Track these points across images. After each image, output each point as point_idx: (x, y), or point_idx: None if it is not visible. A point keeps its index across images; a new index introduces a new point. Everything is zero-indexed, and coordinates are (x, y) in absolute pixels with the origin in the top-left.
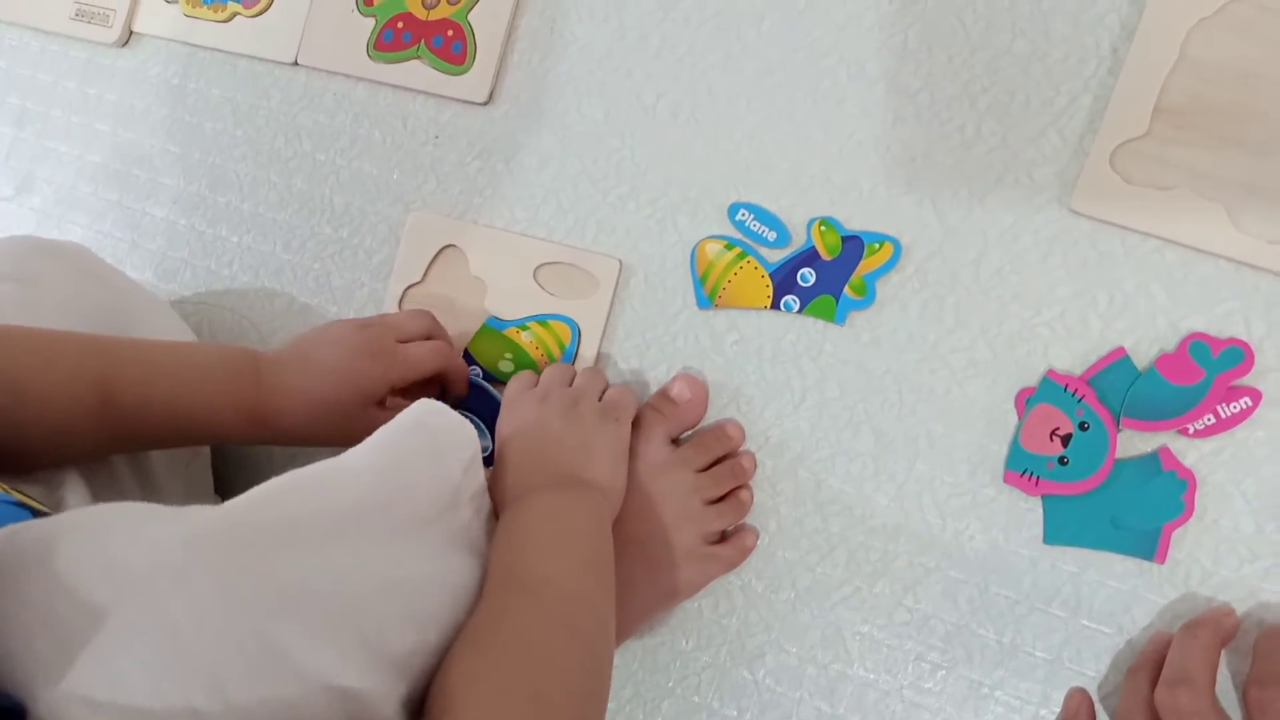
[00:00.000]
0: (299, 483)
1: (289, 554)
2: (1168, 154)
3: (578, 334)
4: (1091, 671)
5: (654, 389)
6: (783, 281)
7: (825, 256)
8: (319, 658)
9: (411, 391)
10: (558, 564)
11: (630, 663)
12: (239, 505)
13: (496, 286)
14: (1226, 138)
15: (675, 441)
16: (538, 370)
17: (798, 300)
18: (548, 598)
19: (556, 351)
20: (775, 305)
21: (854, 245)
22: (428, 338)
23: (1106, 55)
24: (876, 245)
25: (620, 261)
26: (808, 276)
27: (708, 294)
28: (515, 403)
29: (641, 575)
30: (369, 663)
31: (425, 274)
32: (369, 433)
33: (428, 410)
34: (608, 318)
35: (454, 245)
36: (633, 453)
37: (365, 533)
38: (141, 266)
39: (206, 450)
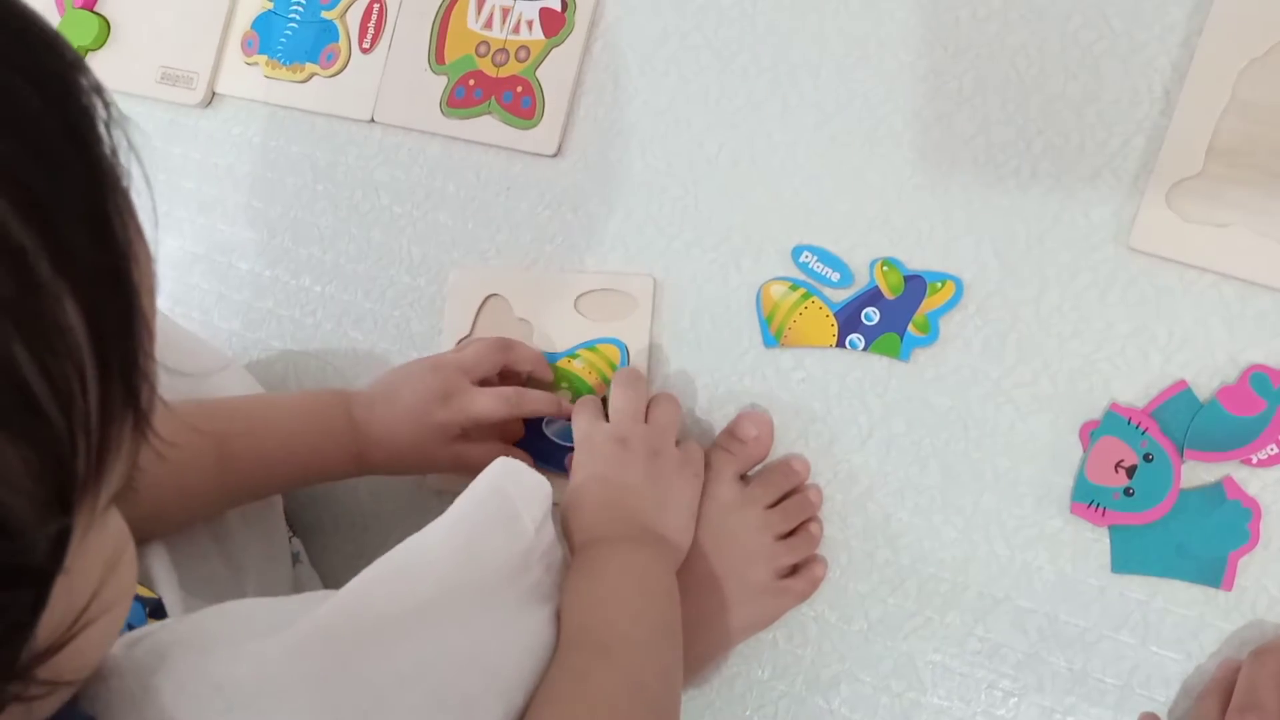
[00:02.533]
0: (382, 577)
1: (380, 651)
2: (1223, 192)
3: (626, 353)
4: (1161, 697)
5: (720, 427)
6: (847, 320)
7: (888, 296)
8: None
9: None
10: (634, 625)
11: (708, 692)
12: (329, 611)
13: (541, 324)
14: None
15: (743, 478)
16: (592, 393)
17: (862, 339)
18: (624, 660)
19: (609, 372)
20: (840, 344)
21: (916, 284)
22: (504, 368)
23: (1159, 97)
24: (939, 284)
25: (654, 278)
26: (872, 315)
27: (774, 334)
28: (591, 443)
29: (716, 613)
30: None
31: (473, 326)
32: (451, 462)
33: (504, 472)
34: (650, 332)
35: (496, 294)
36: (703, 492)
37: (448, 615)
38: (229, 316)
39: (279, 501)
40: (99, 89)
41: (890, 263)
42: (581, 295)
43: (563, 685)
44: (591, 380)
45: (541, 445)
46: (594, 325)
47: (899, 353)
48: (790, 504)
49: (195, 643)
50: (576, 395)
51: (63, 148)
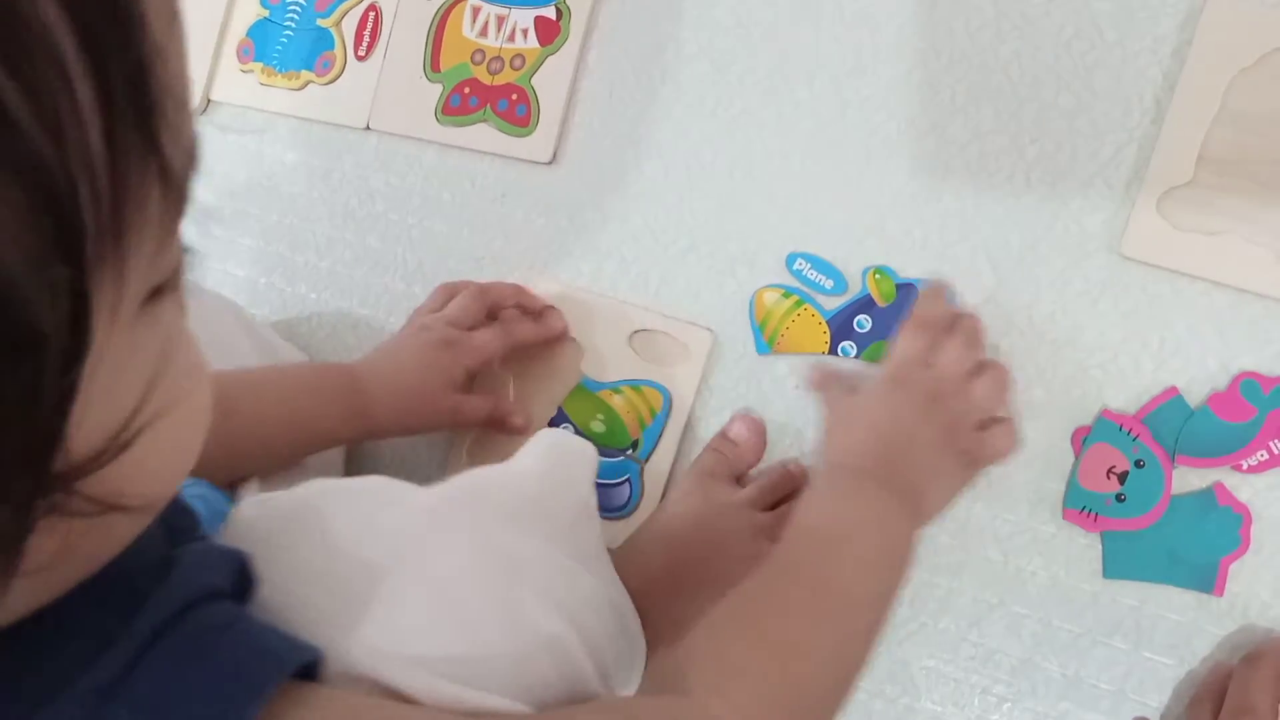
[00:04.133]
0: (490, 478)
1: (505, 529)
2: (1214, 200)
3: (669, 401)
4: (1154, 702)
5: (714, 432)
6: (839, 328)
7: (881, 304)
8: (548, 621)
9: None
10: (858, 571)
11: None
12: (453, 486)
13: (592, 349)
14: (1270, 184)
15: (739, 481)
16: (625, 436)
17: (854, 346)
18: (833, 600)
19: (648, 417)
20: (833, 351)
21: (908, 292)
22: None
23: (1150, 106)
24: None
25: (714, 334)
26: (864, 323)
27: (766, 340)
28: (907, 377)
29: None
30: (576, 636)
31: None
32: (451, 413)
33: (555, 433)
34: (699, 388)
35: (553, 307)
36: (699, 495)
37: (541, 523)
38: None
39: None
40: None
41: (882, 271)
42: (637, 332)
43: (771, 613)
44: (628, 419)
45: None
46: (643, 365)
47: None
48: (786, 509)
49: (345, 495)
50: (610, 429)
51: None
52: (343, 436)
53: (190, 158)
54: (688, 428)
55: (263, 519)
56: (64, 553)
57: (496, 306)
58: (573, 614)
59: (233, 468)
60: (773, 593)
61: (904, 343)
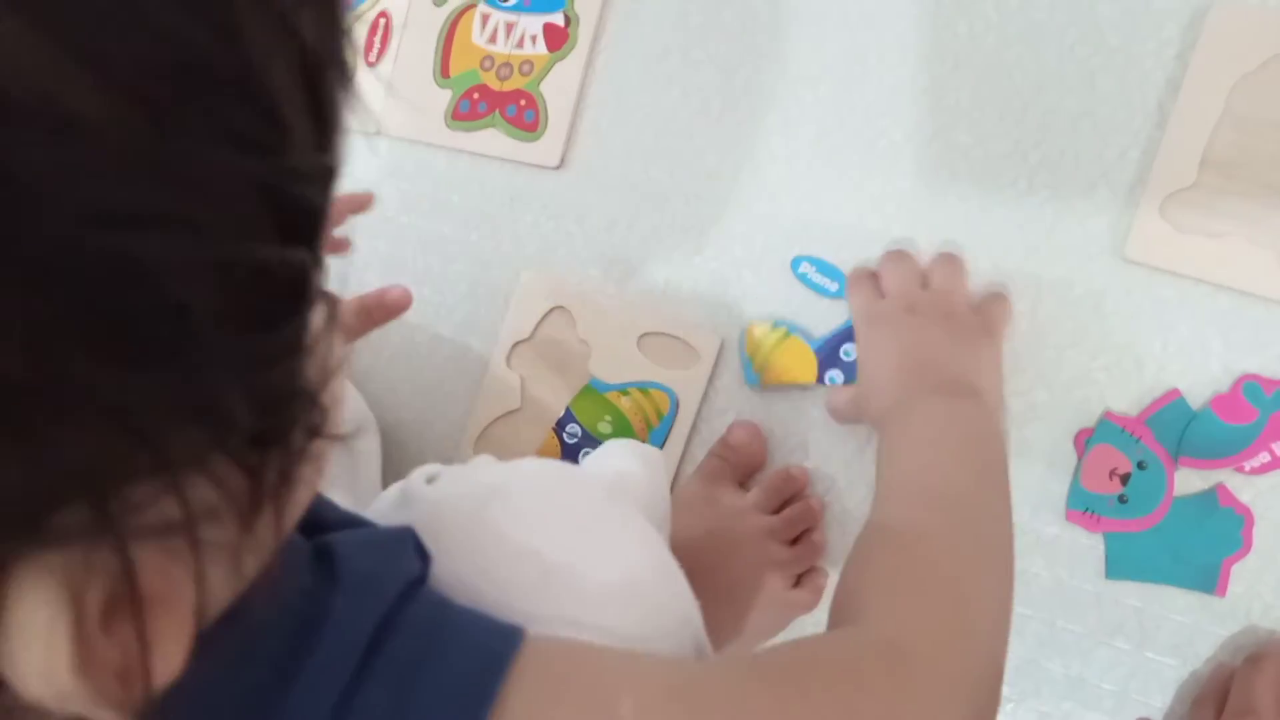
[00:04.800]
0: (618, 475)
1: (650, 526)
2: (1217, 203)
3: (676, 404)
4: (1157, 703)
5: (717, 437)
6: (826, 357)
7: None
8: (692, 606)
9: None
10: (964, 473)
11: None
12: (610, 477)
13: (600, 350)
14: (1274, 187)
15: (742, 486)
16: (634, 437)
17: (841, 374)
18: (962, 513)
19: (655, 419)
20: (820, 380)
21: None
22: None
23: (1153, 110)
24: None
25: (722, 339)
26: (850, 352)
27: (756, 371)
28: (876, 315)
29: (729, 624)
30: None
31: (534, 332)
32: None
33: (629, 441)
34: (705, 392)
35: (562, 307)
36: (705, 502)
37: (655, 521)
38: None
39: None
40: None
41: None
42: (646, 334)
43: (901, 538)
44: (635, 421)
45: None
46: (652, 367)
47: None
48: (792, 512)
49: (518, 477)
50: (617, 430)
51: None
52: None
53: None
54: (694, 430)
55: (450, 499)
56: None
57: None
58: (691, 601)
59: None
60: (900, 524)
61: (852, 298)
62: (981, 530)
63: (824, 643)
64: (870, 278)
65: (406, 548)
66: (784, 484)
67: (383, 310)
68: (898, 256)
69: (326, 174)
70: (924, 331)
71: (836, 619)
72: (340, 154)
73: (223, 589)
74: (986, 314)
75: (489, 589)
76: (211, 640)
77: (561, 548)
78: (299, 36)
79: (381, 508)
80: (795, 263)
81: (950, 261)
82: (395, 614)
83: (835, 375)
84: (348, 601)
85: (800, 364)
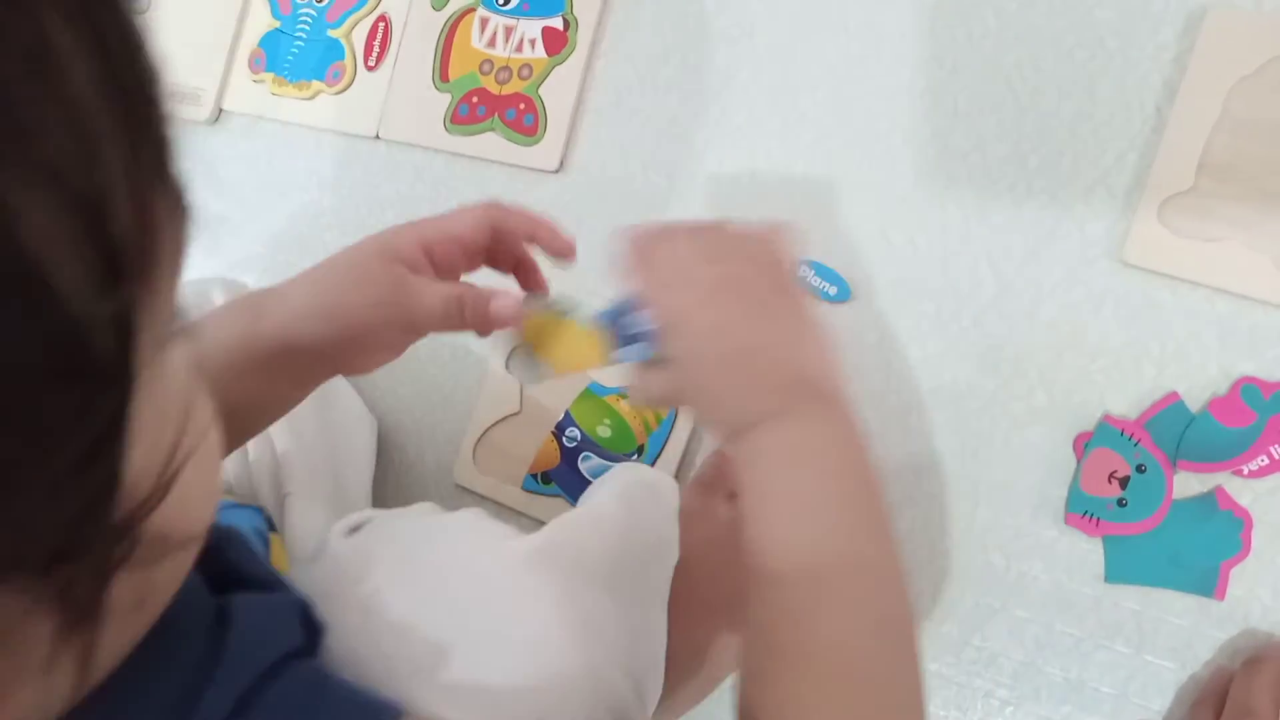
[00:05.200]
0: (576, 530)
1: (589, 587)
2: (1214, 207)
3: (675, 408)
4: (1156, 706)
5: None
6: (611, 336)
7: None
8: (620, 684)
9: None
10: (841, 535)
11: (711, 706)
12: (546, 537)
13: None
14: (1270, 191)
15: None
16: (631, 441)
17: (631, 352)
18: (848, 587)
19: (653, 422)
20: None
21: None
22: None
23: (1151, 114)
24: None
25: None
26: (631, 325)
27: (540, 363)
28: (679, 279)
29: (730, 636)
30: (636, 697)
31: None
32: (402, 301)
33: (632, 470)
34: None
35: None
36: (701, 514)
37: (620, 578)
38: None
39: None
40: None
41: None
42: None
43: (783, 636)
44: (634, 424)
45: (574, 481)
46: None
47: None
48: None
49: (439, 536)
50: (616, 434)
51: None
52: (274, 392)
53: (187, 191)
54: (693, 433)
55: (356, 555)
56: (136, 602)
57: (502, 232)
58: (638, 676)
59: None
60: (784, 620)
61: (641, 277)
62: (875, 604)
63: None
64: (650, 243)
65: (293, 619)
66: None
67: (527, 232)
68: (669, 229)
69: (121, 317)
70: (740, 303)
71: None
72: (162, 278)
73: (40, 696)
74: (783, 269)
75: (376, 664)
76: (106, 699)
77: (457, 622)
78: (66, 178)
79: (304, 556)
80: None
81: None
82: (254, 694)
83: (625, 354)
84: (222, 675)
85: (583, 348)
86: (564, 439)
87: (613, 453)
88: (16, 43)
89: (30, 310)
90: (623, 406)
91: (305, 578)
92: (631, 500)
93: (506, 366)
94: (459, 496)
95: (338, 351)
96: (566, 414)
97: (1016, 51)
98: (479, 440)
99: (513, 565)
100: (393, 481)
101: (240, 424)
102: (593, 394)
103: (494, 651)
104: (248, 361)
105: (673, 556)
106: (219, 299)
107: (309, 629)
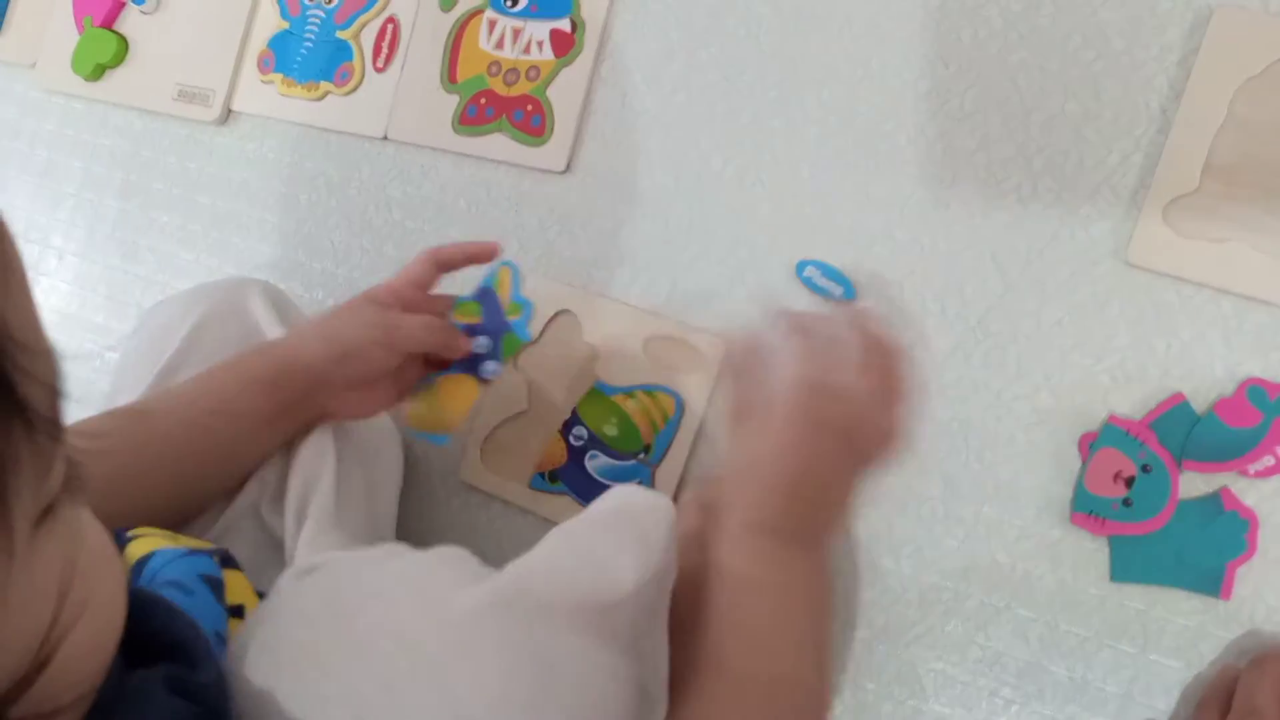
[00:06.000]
0: (531, 569)
1: (545, 627)
2: (1219, 208)
3: (681, 407)
4: (1161, 705)
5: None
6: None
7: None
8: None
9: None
10: (799, 660)
11: None
12: (503, 583)
13: (607, 353)
14: (1275, 192)
15: None
16: (638, 440)
17: (492, 362)
18: (788, 705)
19: (660, 422)
20: (481, 378)
21: (483, 295)
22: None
23: (1156, 115)
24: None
25: (725, 340)
26: (484, 343)
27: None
28: (817, 406)
29: None
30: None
31: (541, 335)
32: (384, 324)
33: (624, 494)
34: (710, 395)
35: (569, 311)
36: (696, 538)
37: (585, 613)
38: None
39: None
40: None
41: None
42: (651, 338)
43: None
44: (641, 423)
45: (581, 480)
46: (657, 371)
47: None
48: None
49: (377, 591)
50: (623, 433)
51: None
52: (277, 391)
53: (53, 388)
54: (699, 432)
55: (299, 604)
56: None
57: (447, 264)
58: (602, 713)
59: (182, 495)
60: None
61: (797, 366)
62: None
63: None
64: (813, 344)
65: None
66: None
67: (464, 258)
68: (832, 327)
69: None
70: (840, 461)
71: None
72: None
73: None
74: (884, 447)
75: (312, 713)
76: None
77: (389, 688)
78: None
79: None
80: (800, 266)
81: (891, 366)
82: None
83: (488, 366)
84: None
85: (459, 395)
86: (571, 438)
87: (619, 452)
88: None
89: None
90: (629, 406)
91: (253, 621)
92: (616, 525)
93: (514, 366)
94: (466, 494)
95: (335, 367)
96: (574, 413)
97: (1021, 52)
98: (486, 438)
99: (455, 623)
100: (406, 485)
101: (241, 448)
102: (600, 393)
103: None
104: (257, 373)
105: (667, 579)
106: (257, 302)
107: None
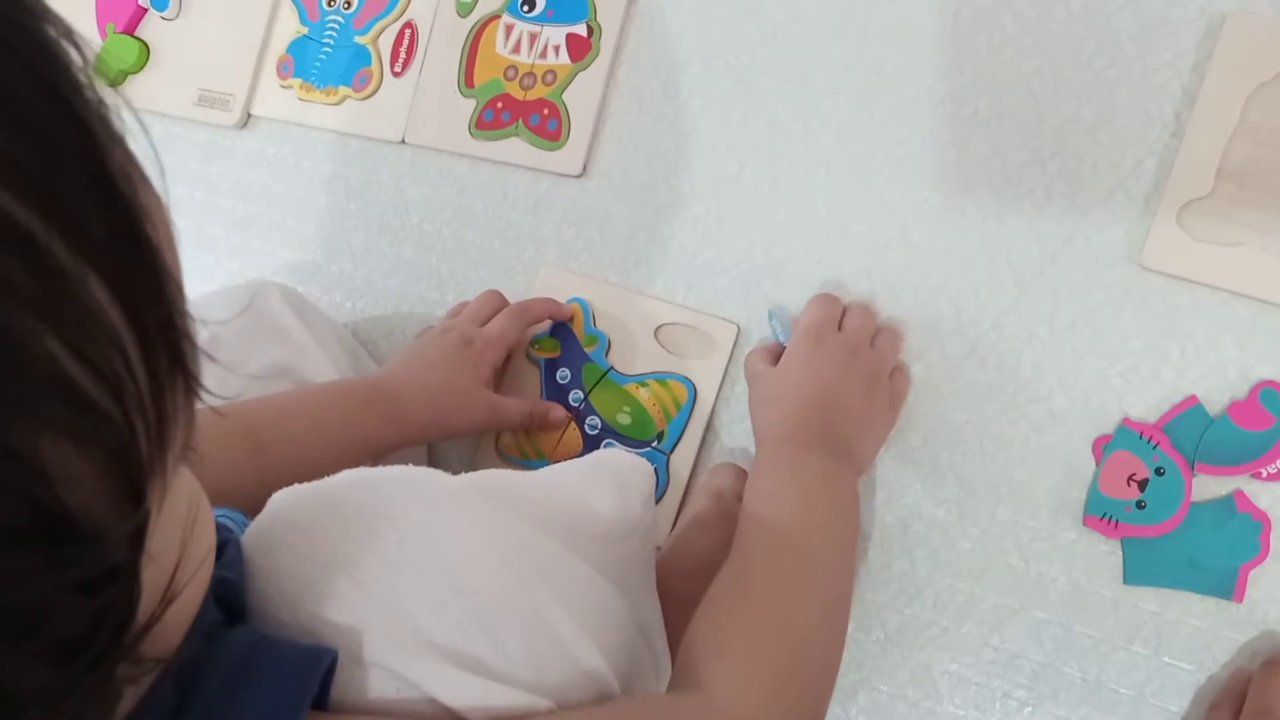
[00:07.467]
0: (523, 479)
1: (528, 524)
2: (1232, 212)
3: (694, 394)
4: (1174, 707)
5: (738, 443)
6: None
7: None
8: (565, 620)
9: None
10: (826, 540)
11: None
12: (486, 474)
13: (618, 341)
14: None
15: None
16: (651, 428)
17: (580, 391)
18: (816, 578)
19: (673, 410)
20: (584, 430)
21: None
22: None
23: (1170, 120)
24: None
25: (738, 326)
26: (565, 375)
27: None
28: (820, 339)
29: None
30: (590, 639)
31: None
32: (490, 412)
33: (606, 452)
34: (722, 380)
35: (580, 299)
36: (716, 517)
37: (567, 532)
38: None
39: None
40: (69, 33)
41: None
42: (663, 325)
43: (758, 595)
44: (654, 412)
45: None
46: (669, 358)
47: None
48: None
49: (363, 484)
50: (636, 421)
51: (46, 109)
52: (378, 444)
53: (194, 345)
54: (711, 419)
55: (289, 509)
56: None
57: (533, 320)
58: (591, 619)
59: (263, 495)
60: (756, 577)
61: (812, 312)
62: (830, 596)
63: (663, 706)
64: (830, 302)
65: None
66: None
67: (546, 315)
68: (862, 307)
69: (138, 529)
70: (848, 380)
71: (683, 676)
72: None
73: None
74: (897, 384)
75: (310, 603)
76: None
77: (381, 558)
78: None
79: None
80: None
81: (894, 334)
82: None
83: (576, 395)
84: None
85: (568, 443)
86: (585, 427)
87: (633, 440)
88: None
89: (53, 560)
90: (642, 394)
91: (254, 522)
92: (594, 476)
93: (528, 358)
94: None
95: (435, 422)
96: (587, 402)
97: (1036, 58)
98: (501, 431)
99: (440, 498)
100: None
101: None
102: (612, 382)
103: (416, 585)
104: (369, 433)
105: (645, 540)
106: (278, 305)
107: (229, 605)
